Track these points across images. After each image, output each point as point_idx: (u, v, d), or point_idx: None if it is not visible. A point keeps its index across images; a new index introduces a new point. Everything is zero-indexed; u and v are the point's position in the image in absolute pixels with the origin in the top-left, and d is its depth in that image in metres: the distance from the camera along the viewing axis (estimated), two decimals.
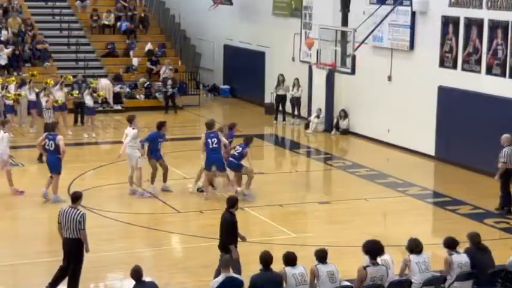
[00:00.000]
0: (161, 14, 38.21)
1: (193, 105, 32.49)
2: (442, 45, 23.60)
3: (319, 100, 28.53)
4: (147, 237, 17.05)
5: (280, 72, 30.08)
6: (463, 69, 22.97)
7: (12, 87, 27.41)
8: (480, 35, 22.34)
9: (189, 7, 37.73)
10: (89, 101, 27.52)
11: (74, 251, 13.28)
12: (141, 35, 35.37)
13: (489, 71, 22.11)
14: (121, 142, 20.71)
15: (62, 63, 32.78)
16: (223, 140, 19.40)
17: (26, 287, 14.34)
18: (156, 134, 19.94)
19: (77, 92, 27.98)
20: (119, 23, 35.19)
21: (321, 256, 12.00)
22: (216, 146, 19.15)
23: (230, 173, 19.82)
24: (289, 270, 11.71)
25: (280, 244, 15.72)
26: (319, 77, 28.09)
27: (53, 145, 18.89)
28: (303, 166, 24.81)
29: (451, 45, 23.30)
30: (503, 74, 21.69)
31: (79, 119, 28.52)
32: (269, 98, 31.50)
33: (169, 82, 31.71)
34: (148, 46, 34.41)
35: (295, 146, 27.27)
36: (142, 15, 36.03)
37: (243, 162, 19.52)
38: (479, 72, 22.45)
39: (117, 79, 32.33)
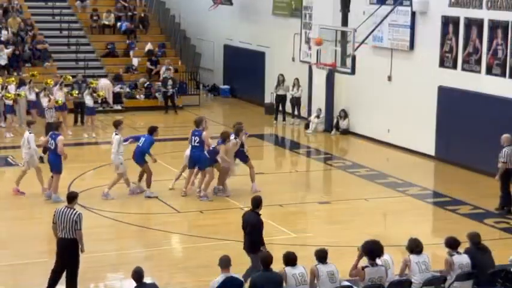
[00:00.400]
0: (161, 14, 38.21)
1: (193, 105, 32.49)
2: (442, 45, 23.61)
3: (319, 100, 28.53)
4: (147, 238, 17.04)
5: (280, 72, 30.08)
6: (463, 69, 22.97)
7: (12, 88, 27.40)
8: (480, 35, 22.34)
9: (189, 7, 37.74)
10: (89, 101, 27.52)
11: (69, 251, 13.24)
12: (141, 35, 35.37)
13: (489, 71, 22.11)
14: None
15: (62, 63, 32.78)
16: (207, 140, 19.51)
17: (26, 287, 14.34)
18: (152, 139, 19.90)
19: (77, 92, 27.98)
20: (119, 23, 35.19)
21: (321, 256, 12.00)
22: (198, 144, 19.41)
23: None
24: (289, 270, 11.71)
25: (280, 244, 15.71)
26: (319, 77, 28.09)
27: (54, 144, 18.95)
28: (303, 166, 24.80)
29: (451, 45, 23.30)
30: (503, 74, 21.69)
31: (79, 119, 28.52)
32: (269, 98, 31.50)
33: (170, 82, 31.70)
34: (148, 46, 34.41)
35: (295, 146, 27.26)
36: (142, 15, 36.03)
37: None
38: (479, 72, 22.45)
39: (117, 79, 32.33)
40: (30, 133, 19.56)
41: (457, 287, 12.41)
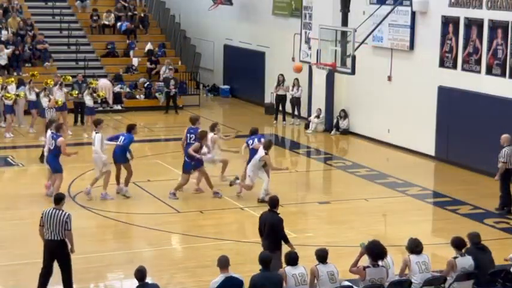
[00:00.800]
0: (161, 14, 38.21)
1: (193, 105, 32.49)
2: (442, 45, 23.60)
3: (319, 100, 28.53)
4: (147, 237, 17.03)
5: (280, 72, 30.07)
6: (463, 69, 22.96)
7: (12, 88, 27.39)
8: (480, 35, 22.33)
9: (189, 7, 37.74)
10: (89, 101, 27.53)
11: (58, 253, 13.20)
12: (141, 35, 35.37)
13: (489, 71, 22.11)
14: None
15: (62, 63, 32.77)
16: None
17: (26, 287, 14.33)
18: (132, 137, 19.77)
19: (77, 92, 27.97)
20: (119, 23, 35.19)
21: (322, 256, 12.00)
22: (193, 142, 19.50)
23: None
24: (289, 270, 11.71)
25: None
26: (319, 77, 28.09)
27: (54, 144, 18.95)
28: (303, 166, 24.80)
29: (451, 45, 23.30)
30: (503, 74, 21.69)
31: (79, 119, 28.51)
32: (269, 98, 31.50)
33: (172, 82, 31.67)
34: (148, 46, 34.41)
35: (295, 146, 27.26)
36: (142, 15, 36.03)
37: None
38: (479, 72, 22.45)
39: (117, 79, 32.33)
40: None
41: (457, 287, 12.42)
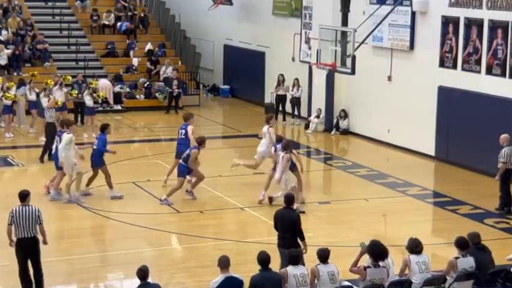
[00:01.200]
0: (161, 14, 38.20)
1: (193, 105, 32.48)
2: (442, 45, 23.60)
3: (319, 100, 28.52)
4: (147, 237, 17.03)
5: (280, 72, 30.07)
6: (463, 69, 22.96)
7: (12, 88, 27.38)
8: (480, 35, 22.33)
9: (189, 7, 37.74)
10: (89, 101, 27.51)
11: (32, 250, 13.28)
12: (141, 35, 35.37)
13: (489, 71, 22.11)
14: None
15: (62, 63, 32.77)
16: (190, 133, 19.92)
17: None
18: (105, 137, 19.60)
19: (77, 92, 27.96)
20: (119, 23, 35.19)
21: (323, 256, 12.01)
22: (183, 136, 20.01)
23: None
24: (290, 269, 11.71)
25: None
26: (319, 77, 28.09)
27: (59, 141, 18.98)
28: (303, 166, 24.72)
29: (451, 45, 23.30)
30: (503, 74, 21.68)
31: (79, 119, 28.51)
32: (269, 98, 31.50)
33: (175, 82, 31.64)
34: (148, 46, 34.40)
35: (295, 146, 27.09)
36: (142, 15, 36.03)
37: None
38: (479, 72, 22.44)
39: (117, 79, 32.33)
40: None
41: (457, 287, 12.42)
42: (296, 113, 29.77)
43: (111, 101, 31.14)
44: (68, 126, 19.23)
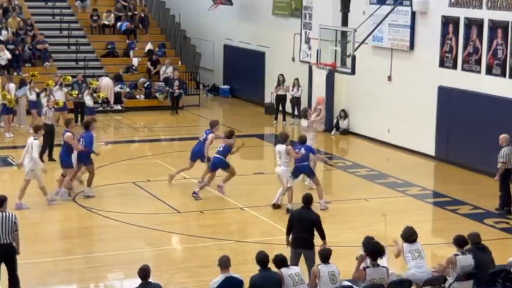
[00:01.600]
0: (161, 14, 38.20)
1: (194, 105, 32.48)
2: (442, 45, 23.60)
3: None
4: (147, 237, 17.03)
5: (280, 72, 30.08)
6: (463, 69, 22.96)
7: (12, 88, 27.37)
8: (480, 35, 22.33)
9: (189, 7, 37.74)
10: (89, 101, 27.52)
11: (8, 257, 12.99)
12: (141, 35, 35.36)
13: (489, 71, 22.11)
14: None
15: (62, 63, 32.76)
16: (209, 138, 19.96)
17: (26, 287, 14.31)
18: (91, 135, 19.45)
19: (77, 92, 27.97)
20: (119, 23, 35.19)
21: (325, 255, 12.02)
22: (203, 140, 20.13)
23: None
24: (285, 271, 11.72)
25: (280, 244, 15.66)
26: (319, 77, 28.07)
27: (63, 140, 18.98)
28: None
29: (451, 45, 23.30)
30: (503, 74, 21.68)
31: (79, 119, 28.49)
32: (269, 98, 31.50)
33: (176, 83, 31.62)
34: (148, 46, 34.41)
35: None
36: (142, 15, 36.02)
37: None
38: (479, 72, 22.45)
39: (117, 79, 32.32)
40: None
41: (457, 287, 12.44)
42: (296, 113, 29.74)
43: (111, 100, 31.10)
44: (36, 132, 18.92)
